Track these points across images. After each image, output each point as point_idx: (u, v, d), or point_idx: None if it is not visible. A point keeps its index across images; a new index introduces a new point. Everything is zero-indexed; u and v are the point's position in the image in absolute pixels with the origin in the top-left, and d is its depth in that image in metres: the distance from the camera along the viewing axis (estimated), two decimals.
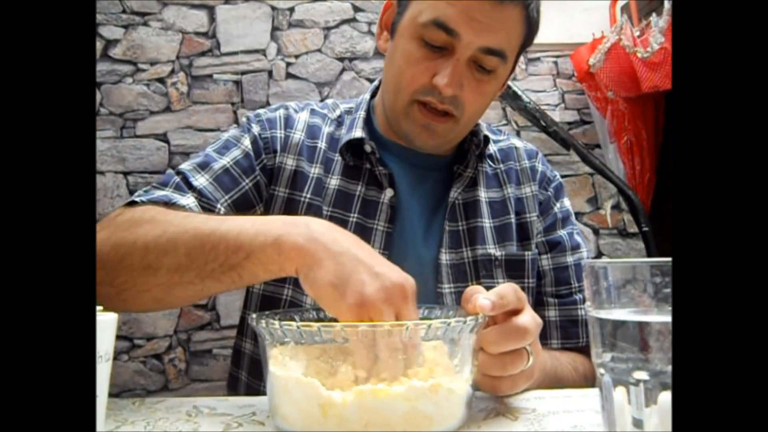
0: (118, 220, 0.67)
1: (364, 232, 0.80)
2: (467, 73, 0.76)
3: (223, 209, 0.76)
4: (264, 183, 0.81)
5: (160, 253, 0.60)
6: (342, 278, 0.50)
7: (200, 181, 0.76)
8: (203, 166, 0.78)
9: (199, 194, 0.75)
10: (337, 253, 0.52)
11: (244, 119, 0.87)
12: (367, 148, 0.82)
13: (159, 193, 0.73)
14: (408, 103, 0.78)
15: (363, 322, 0.48)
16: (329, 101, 0.93)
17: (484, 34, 0.73)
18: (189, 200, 0.73)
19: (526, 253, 0.86)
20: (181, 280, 0.60)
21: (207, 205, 0.74)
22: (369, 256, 0.53)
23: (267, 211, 0.82)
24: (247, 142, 0.82)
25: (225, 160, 0.79)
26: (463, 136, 0.85)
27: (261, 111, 0.88)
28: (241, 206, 0.78)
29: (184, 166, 0.79)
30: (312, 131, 0.86)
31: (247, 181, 0.79)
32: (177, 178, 0.76)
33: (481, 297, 0.51)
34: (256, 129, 0.84)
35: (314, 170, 0.83)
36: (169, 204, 0.71)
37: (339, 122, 0.88)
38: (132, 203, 0.71)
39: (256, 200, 0.80)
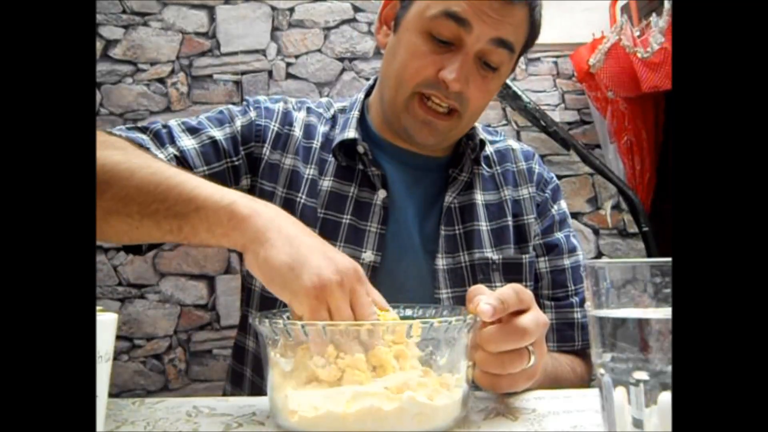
0: None
1: (357, 234, 0.79)
2: (473, 69, 0.76)
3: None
4: (244, 169, 0.81)
5: (113, 178, 0.60)
6: (298, 260, 0.51)
7: (186, 142, 0.76)
8: (193, 131, 0.78)
9: (182, 154, 0.75)
10: (291, 236, 0.53)
11: (244, 102, 0.87)
12: (360, 149, 0.81)
13: (138, 135, 0.74)
14: (409, 96, 0.77)
15: (318, 303, 0.48)
16: (323, 99, 0.92)
17: (495, 25, 0.74)
18: (164, 155, 0.73)
19: (524, 256, 0.85)
20: (122, 210, 0.60)
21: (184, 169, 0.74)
22: (321, 243, 0.55)
23: None
24: (238, 123, 0.82)
25: (216, 133, 0.79)
26: (463, 134, 0.85)
27: (261, 98, 0.88)
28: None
29: (173, 123, 0.79)
30: (308, 130, 0.86)
31: (227, 161, 0.79)
32: (162, 129, 0.76)
33: (483, 301, 0.51)
34: (252, 114, 0.84)
35: (309, 171, 0.82)
36: (143, 149, 0.71)
37: (333, 122, 0.87)
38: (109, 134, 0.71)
39: (230, 183, 0.79)
